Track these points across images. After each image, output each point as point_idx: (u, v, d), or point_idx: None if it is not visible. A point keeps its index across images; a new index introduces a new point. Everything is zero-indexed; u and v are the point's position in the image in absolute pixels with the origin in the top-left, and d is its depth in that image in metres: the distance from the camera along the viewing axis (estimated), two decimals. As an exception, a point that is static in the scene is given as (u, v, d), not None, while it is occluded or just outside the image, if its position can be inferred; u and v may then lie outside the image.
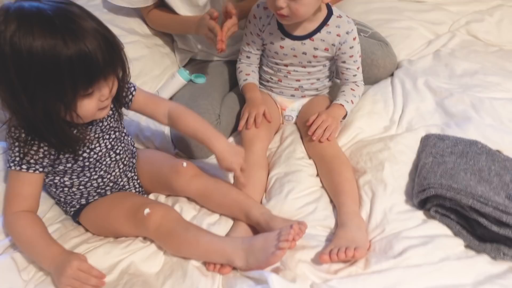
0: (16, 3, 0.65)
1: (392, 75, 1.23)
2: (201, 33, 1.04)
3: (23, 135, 0.72)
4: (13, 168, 0.74)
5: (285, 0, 0.89)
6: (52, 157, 0.75)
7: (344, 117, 1.05)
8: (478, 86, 1.12)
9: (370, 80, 1.20)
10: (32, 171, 0.74)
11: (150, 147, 1.05)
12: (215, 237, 0.79)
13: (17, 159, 0.73)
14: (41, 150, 0.74)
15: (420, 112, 1.08)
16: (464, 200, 0.77)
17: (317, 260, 0.77)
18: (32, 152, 0.73)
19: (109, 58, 0.67)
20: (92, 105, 0.70)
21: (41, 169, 0.75)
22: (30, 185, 0.75)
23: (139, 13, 1.22)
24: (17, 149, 0.73)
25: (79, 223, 0.89)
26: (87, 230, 0.88)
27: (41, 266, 0.74)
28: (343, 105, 1.03)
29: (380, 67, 1.19)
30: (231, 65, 1.25)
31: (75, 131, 0.74)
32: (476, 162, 0.85)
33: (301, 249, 0.77)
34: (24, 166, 0.74)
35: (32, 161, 0.74)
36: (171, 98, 1.15)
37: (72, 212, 0.88)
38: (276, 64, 1.06)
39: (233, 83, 1.24)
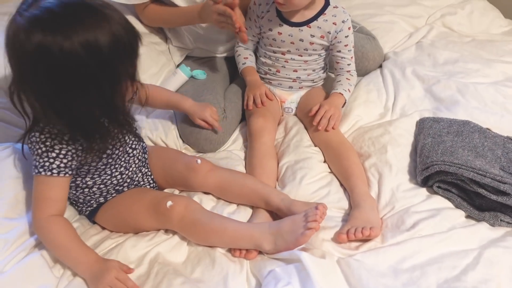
0: (25, 14, 0.63)
1: (380, 66, 1.30)
2: (208, 21, 1.04)
3: (49, 140, 0.71)
4: (43, 173, 0.72)
5: None
6: (79, 158, 0.75)
7: (343, 105, 1.11)
8: (460, 73, 1.21)
9: (361, 72, 1.27)
10: (62, 174, 0.73)
11: (158, 143, 1.06)
12: (241, 223, 0.82)
13: (47, 164, 0.72)
14: (69, 153, 0.73)
15: (411, 99, 1.16)
16: (466, 173, 0.84)
17: (337, 239, 0.82)
18: (61, 156, 0.72)
19: (135, 39, 0.69)
20: (130, 89, 0.72)
21: (70, 172, 0.75)
22: (60, 189, 0.75)
23: (132, 10, 1.21)
24: (45, 154, 0.72)
25: (94, 222, 0.89)
26: (103, 229, 0.88)
27: (74, 271, 0.74)
28: (342, 94, 1.08)
29: (370, 60, 1.26)
30: (228, 61, 1.28)
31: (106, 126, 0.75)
32: (471, 140, 0.94)
33: (322, 230, 0.82)
34: (54, 171, 0.73)
35: (61, 165, 0.73)
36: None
37: (88, 212, 0.88)
38: (274, 52, 1.11)
39: (232, 78, 1.27)
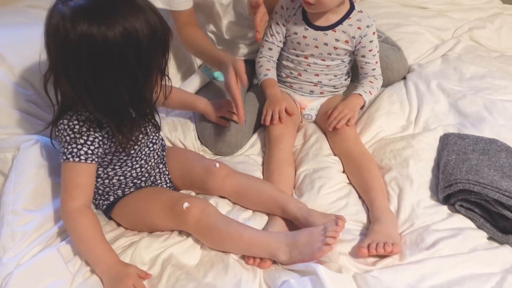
0: (70, 3, 0.66)
1: (404, 78, 1.28)
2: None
3: (77, 126, 0.73)
4: (71, 160, 0.73)
5: None
6: (105, 146, 0.76)
7: (362, 108, 1.09)
8: (487, 88, 1.18)
9: (384, 83, 1.24)
10: (90, 161, 0.74)
11: (177, 144, 1.06)
12: (257, 231, 0.80)
13: (75, 150, 0.73)
14: (97, 140, 0.74)
15: (435, 113, 1.13)
16: (491, 194, 0.82)
17: (355, 253, 0.80)
18: (89, 142, 0.73)
19: (168, 33, 0.72)
20: (159, 82, 0.75)
21: (96, 159, 0.76)
22: (88, 175, 0.76)
23: None
24: (73, 140, 0.73)
25: (110, 218, 0.89)
26: (118, 225, 0.88)
27: (93, 268, 0.74)
28: (361, 95, 1.07)
29: (394, 71, 1.24)
30: (249, 64, 1.27)
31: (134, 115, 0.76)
32: (498, 159, 0.91)
33: (339, 243, 0.80)
34: (82, 157, 0.74)
35: (89, 151, 0.74)
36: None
37: (104, 206, 0.88)
38: (297, 56, 1.10)
39: (252, 81, 1.26)
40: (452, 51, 1.38)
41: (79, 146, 0.73)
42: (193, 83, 1.16)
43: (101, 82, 0.68)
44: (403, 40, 1.39)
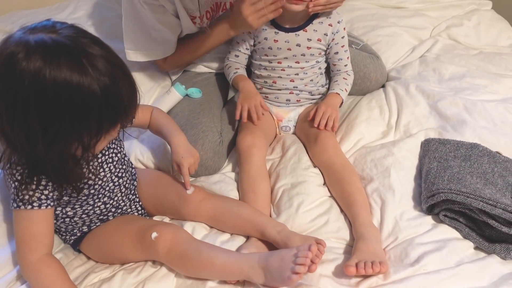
0: (36, 36, 0.59)
1: (383, 86, 1.25)
2: (244, 25, 0.99)
3: (26, 171, 0.67)
4: (22, 208, 0.67)
5: None
6: (60, 188, 0.71)
7: (340, 105, 1.08)
8: (467, 89, 1.16)
9: (362, 92, 1.22)
10: (44, 207, 0.69)
11: (149, 166, 1.01)
12: (230, 256, 0.76)
13: (26, 197, 0.67)
14: (50, 183, 0.69)
15: (415, 116, 1.10)
16: (474, 203, 0.79)
17: (337, 273, 0.76)
18: (41, 187, 0.68)
19: (131, 98, 0.65)
20: (106, 142, 0.68)
21: (52, 203, 0.70)
22: (45, 222, 0.70)
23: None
24: (23, 186, 0.67)
25: (79, 251, 0.85)
26: (89, 258, 0.84)
27: None
28: (338, 94, 1.06)
29: (372, 80, 1.21)
30: (223, 77, 1.24)
31: (83, 166, 0.71)
32: (480, 165, 0.88)
33: (320, 264, 0.77)
34: (35, 204, 0.68)
35: (43, 196, 0.68)
36: (168, 114, 1.11)
37: (72, 241, 0.84)
38: (270, 62, 1.07)
39: (227, 96, 1.22)
40: (430, 52, 1.35)
41: (31, 192, 0.67)
42: (166, 101, 1.12)
43: (50, 136, 0.61)
44: (380, 44, 1.37)
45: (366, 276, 0.76)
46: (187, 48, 1.12)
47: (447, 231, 0.83)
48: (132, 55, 1.10)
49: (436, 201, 0.83)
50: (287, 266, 0.69)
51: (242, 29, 1.03)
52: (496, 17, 1.53)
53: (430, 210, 0.86)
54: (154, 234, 0.75)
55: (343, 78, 1.09)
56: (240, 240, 0.85)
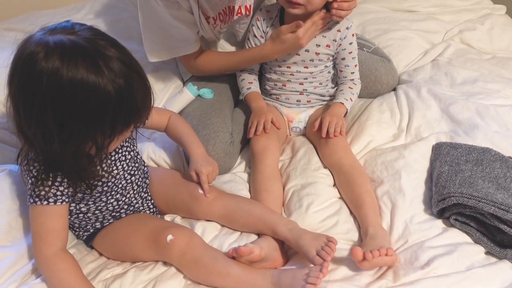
0: (55, 37, 0.61)
1: (394, 89, 1.25)
2: (292, 43, 0.99)
3: (42, 168, 0.68)
4: (39, 203, 0.69)
5: None
6: (74, 185, 0.72)
7: (345, 115, 1.07)
8: (480, 93, 1.15)
9: (373, 95, 1.22)
10: (59, 203, 0.70)
11: (161, 164, 1.02)
12: (244, 268, 0.76)
13: (42, 193, 0.69)
14: (65, 180, 0.70)
15: (427, 120, 1.09)
16: (486, 208, 0.78)
17: (346, 276, 0.76)
18: (57, 183, 0.69)
19: (145, 100, 0.66)
20: (119, 142, 0.69)
21: (67, 199, 0.72)
22: (61, 217, 0.72)
23: (138, 27, 1.19)
24: (39, 182, 0.68)
25: (92, 247, 0.86)
26: (101, 254, 0.85)
27: None
28: (343, 103, 1.05)
29: (383, 84, 1.21)
30: (234, 79, 1.25)
31: (97, 164, 0.72)
32: (492, 170, 0.87)
33: (329, 266, 0.76)
34: (51, 200, 0.70)
35: (58, 192, 0.70)
36: (180, 114, 1.12)
37: (85, 237, 0.85)
38: (279, 66, 1.08)
39: (238, 97, 1.23)
40: (442, 56, 1.35)
41: (47, 188, 0.69)
42: (178, 101, 1.13)
43: (66, 135, 0.63)
44: (392, 47, 1.37)
45: (376, 277, 0.76)
46: (224, 57, 1.11)
47: (457, 235, 0.83)
48: (153, 56, 1.09)
49: (447, 205, 0.83)
50: (298, 285, 0.70)
51: (290, 51, 1.04)
52: (510, 22, 1.52)
53: (441, 214, 0.86)
54: (169, 237, 0.76)
55: (349, 87, 1.07)
56: (250, 239, 0.85)
